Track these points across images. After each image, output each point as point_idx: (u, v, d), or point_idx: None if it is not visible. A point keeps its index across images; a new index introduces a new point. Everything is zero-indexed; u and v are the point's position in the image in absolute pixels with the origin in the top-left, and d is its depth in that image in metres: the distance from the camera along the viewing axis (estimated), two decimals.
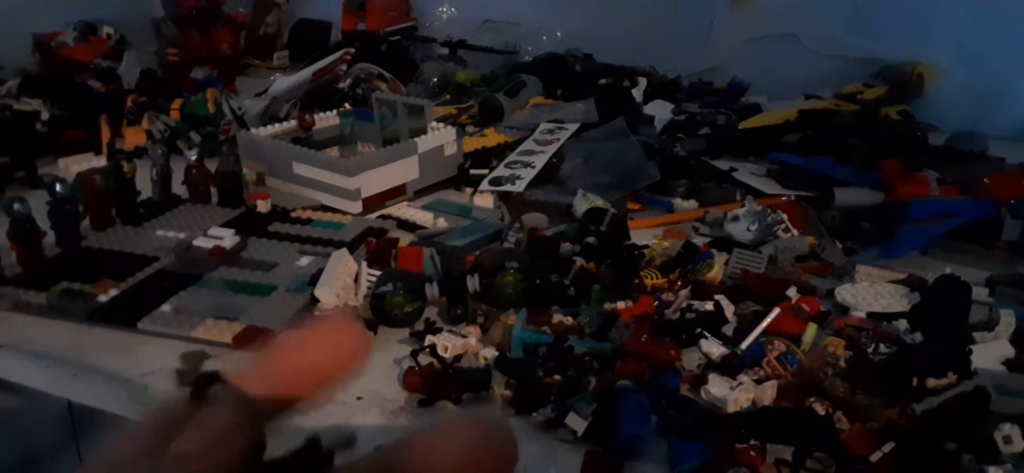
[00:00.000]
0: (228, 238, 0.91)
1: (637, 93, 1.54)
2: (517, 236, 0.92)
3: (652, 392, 0.64)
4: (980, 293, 0.78)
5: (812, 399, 0.64)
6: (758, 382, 0.66)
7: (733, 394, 0.63)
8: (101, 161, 1.21)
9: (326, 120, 1.25)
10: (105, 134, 1.24)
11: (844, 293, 0.81)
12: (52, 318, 0.79)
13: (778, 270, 0.87)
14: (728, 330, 0.74)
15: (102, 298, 0.80)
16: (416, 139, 1.12)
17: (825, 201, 1.05)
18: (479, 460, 0.21)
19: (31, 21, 1.73)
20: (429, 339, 0.71)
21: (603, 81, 1.55)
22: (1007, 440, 0.57)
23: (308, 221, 1.01)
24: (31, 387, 0.73)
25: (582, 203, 1.01)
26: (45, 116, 1.29)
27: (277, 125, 1.21)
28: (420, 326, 0.76)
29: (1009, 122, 1.42)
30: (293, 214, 1.03)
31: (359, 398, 0.66)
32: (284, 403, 0.23)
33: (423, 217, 1.03)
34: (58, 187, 0.89)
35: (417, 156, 1.11)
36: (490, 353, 0.70)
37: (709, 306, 0.76)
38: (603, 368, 0.68)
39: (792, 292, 0.79)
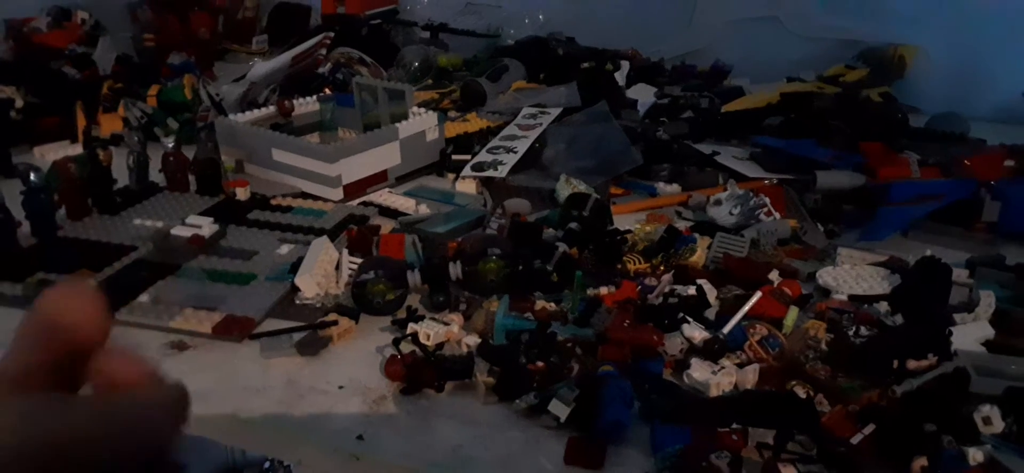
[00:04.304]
0: (207, 226, 0.90)
1: (620, 77, 1.53)
2: (499, 222, 0.91)
3: (635, 377, 0.64)
4: (961, 275, 0.79)
5: (793, 382, 0.64)
6: (740, 366, 0.66)
7: (715, 378, 0.64)
8: (77, 149, 1.19)
9: (306, 106, 1.24)
10: (80, 121, 1.22)
11: (826, 276, 0.81)
12: (28, 309, 0.77)
13: (760, 254, 0.88)
14: (710, 314, 0.74)
15: None
16: (397, 125, 1.11)
17: (807, 184, 1.06)
18: None
19: (3, 7, 1.70)
20: (411, 327, 0.71)
21: (586, 65, 1.55)
22: (987, 421, 0.58)
23: (288, 208, 1.00)
24: None
25: (565, 188, 1.01)
26: (19, 104, 1.27)
27: (256, 111, 1.19)
28: (402, 314, 0.76)
29: (990, 103, 1.43)
30: (273, 202, 1.02)
31: (341, 387, 0.66)
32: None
33: (405, 203, 1.02)
34: (33, 176, 0.87)
35: (398, 142, 1.10)
36: (473, 340, 0.70)
37: (691, 291, 0.76)
38: (586, 354, 0.68)
39: (774, 276, 0.79)
